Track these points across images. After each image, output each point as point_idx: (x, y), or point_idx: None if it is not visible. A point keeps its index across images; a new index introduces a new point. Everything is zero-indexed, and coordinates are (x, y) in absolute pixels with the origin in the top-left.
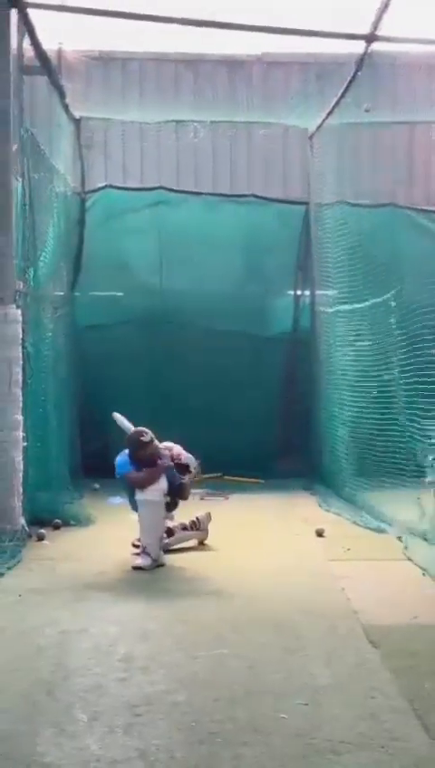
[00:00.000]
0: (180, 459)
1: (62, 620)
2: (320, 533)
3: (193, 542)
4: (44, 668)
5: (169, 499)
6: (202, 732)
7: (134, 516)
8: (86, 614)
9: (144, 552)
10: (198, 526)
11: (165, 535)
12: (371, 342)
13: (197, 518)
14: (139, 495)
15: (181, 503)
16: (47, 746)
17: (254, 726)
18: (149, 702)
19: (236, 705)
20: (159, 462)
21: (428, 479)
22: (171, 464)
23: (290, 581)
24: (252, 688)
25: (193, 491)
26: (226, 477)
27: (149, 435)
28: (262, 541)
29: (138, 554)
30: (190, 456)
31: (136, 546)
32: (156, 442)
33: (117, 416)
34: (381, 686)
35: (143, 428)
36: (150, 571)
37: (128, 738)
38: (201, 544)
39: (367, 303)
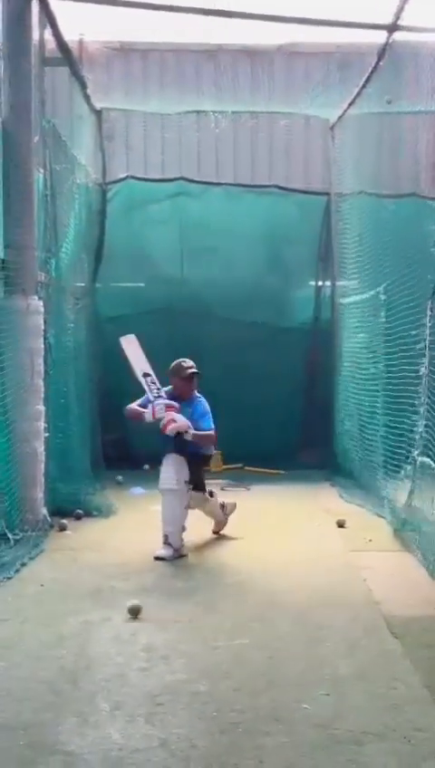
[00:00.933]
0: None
1: (84, 610)
2: (341, 524)
3: (211, 527)
4: (67, 658)
5: (191, 487)
6: (223, 722)
7: (156, 507)
8: (108, 604)
9: (166, 543)
10: (224, 511)
11: (186, 526)
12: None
13: (224, 503)
14: (161, 484)
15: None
16: (70, 735)
17: (275, 716)
18: (171, 691)
19: (257, 695)
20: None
21: (402, 473)
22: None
23: (311, 572)
24: (273, 678)
25: (214, 481)
26: (247, 468)
27: (192, 366)
28: (283, 531)
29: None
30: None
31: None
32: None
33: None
34: (403, 676)
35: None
36: (172, 561)
37: (149, 727)
38: (216, 534)
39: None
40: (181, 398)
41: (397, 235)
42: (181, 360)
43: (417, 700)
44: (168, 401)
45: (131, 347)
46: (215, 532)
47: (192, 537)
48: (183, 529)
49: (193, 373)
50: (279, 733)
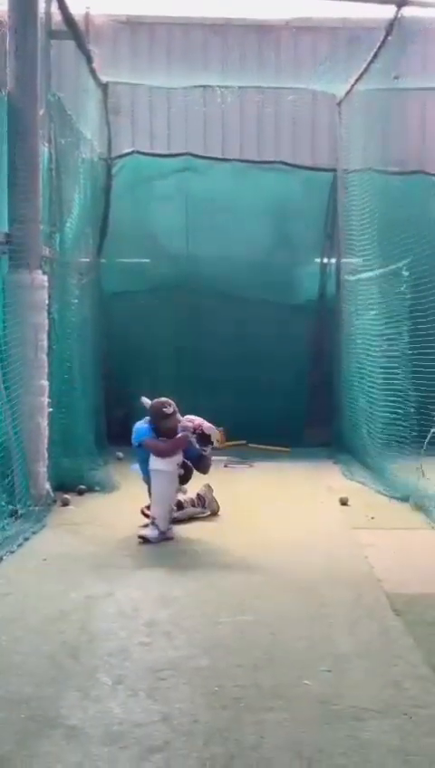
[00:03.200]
0: (202, 429)
1: (87, 585)
2: (344, 502)
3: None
4: (69, 632)
5: (182, 471)
6: (225, 697)
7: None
8: (110, 579)
9: (153, 524)
10: (203, 502)
11: (175, 508)
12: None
13: (198, 494)
14: (152, 464)
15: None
16: (72, 709)
17: (277, 692)
18: (173, 666)
19: (259, 671)
20: (180, 433)
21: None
22: (192, 435)
23: (314, 549)
24: (275, 655)
25: (216, 458)
26: (250, 445)
27: (172, 407)
28: (286, 509)
29: (146, 525)
30: (212, 426)
31: (145, 515)
32: (178, 415)
33: (144, 400)
34: (404, 653)
35: (167, 399)
36: (173, 539)
37: (151, 702)
38: (214, 515)
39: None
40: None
41: (414, 212)
42: (158, 401)
43: (418, 677)
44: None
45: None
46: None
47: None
48: (172, 511)
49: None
50: (280, 708)
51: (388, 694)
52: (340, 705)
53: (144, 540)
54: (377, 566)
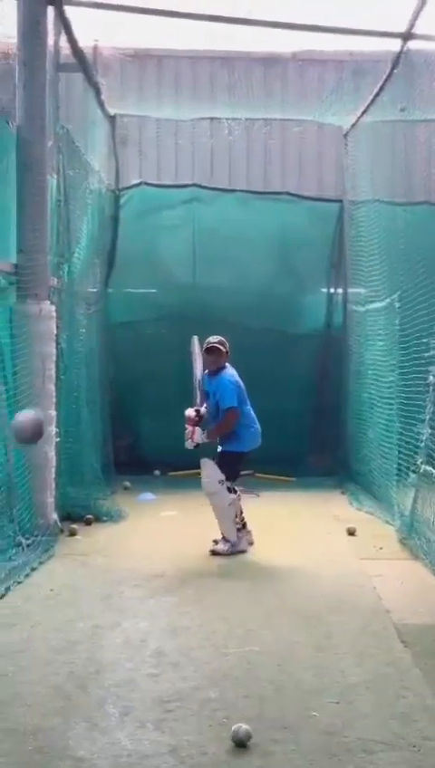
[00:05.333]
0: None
1: (94, 615)
2: (351, 532)
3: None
4: (76, 662)
5: (229, 484)
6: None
7: (167, 513)
8: (118, 609)
9: (223, 539)
10: (237, 540)
11: (239, 519)
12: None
13: (241, 536)
14: (209, 488)
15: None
16: (79, 740)
17: (284, 724)
18: (181, 698)
19: (266, 703)
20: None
21: (409, 480)
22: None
23: (322, 580)
24: (283, 686)
25: None
26: (257, 475)
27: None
28: (294, 539)
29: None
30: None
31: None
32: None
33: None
34: (412, 685)
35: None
36: (183, 568)
37: (159, 733)
38: (212, 552)
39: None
40: (209, 372)
41: (411, 243)
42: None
43: (426, 709)
44: (188, 412)
45: (196, 349)
46: (213, 552)
47: (203, 544)
48: (237, 523)
49: (209, 347)
50: (288, 740)
51: (396, 726)
52: (348, 737)
53: (214, 553)
54: (385, 596)
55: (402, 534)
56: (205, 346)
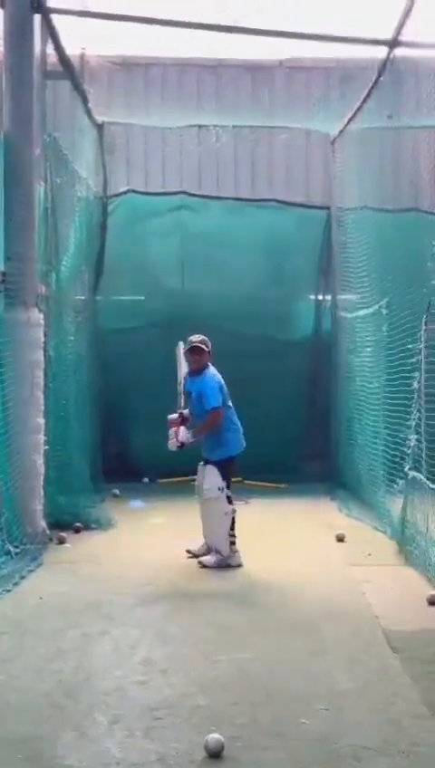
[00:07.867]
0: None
1: (83, 623)
2: (341, 539)
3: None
4: (66, 671)
5: (229, 493)
6: (222, 736)
7: (156, 520)
8: (107, 617)
9: (215, 551)
10: (225, 556)
11: (232, 533)
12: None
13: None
14: (206, 494)
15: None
16: (68, 749)
17: (275, 731)
18: (169, 705)
19: (256, 710)
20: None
21: (398, 487)
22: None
23: (311, 586)
24: (273, 693)
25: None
26: (246, 482)
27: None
28: (283, 545)
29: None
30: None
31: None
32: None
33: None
34: (402, 691)
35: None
36: (175, 576)
37: (148, 741)
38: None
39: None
40: (191, 372)
41: (398, 250)
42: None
43: (416, 716)
44: (170, 416)
45: (181, 354)
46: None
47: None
48: (231, 536)
49: (192, 347)
50: (278, 747)
51: (386, 732)
52: (338, 744)
53: (202, 565)
54: (374, 602)
55: (396, 540)
56: (187, 345)
